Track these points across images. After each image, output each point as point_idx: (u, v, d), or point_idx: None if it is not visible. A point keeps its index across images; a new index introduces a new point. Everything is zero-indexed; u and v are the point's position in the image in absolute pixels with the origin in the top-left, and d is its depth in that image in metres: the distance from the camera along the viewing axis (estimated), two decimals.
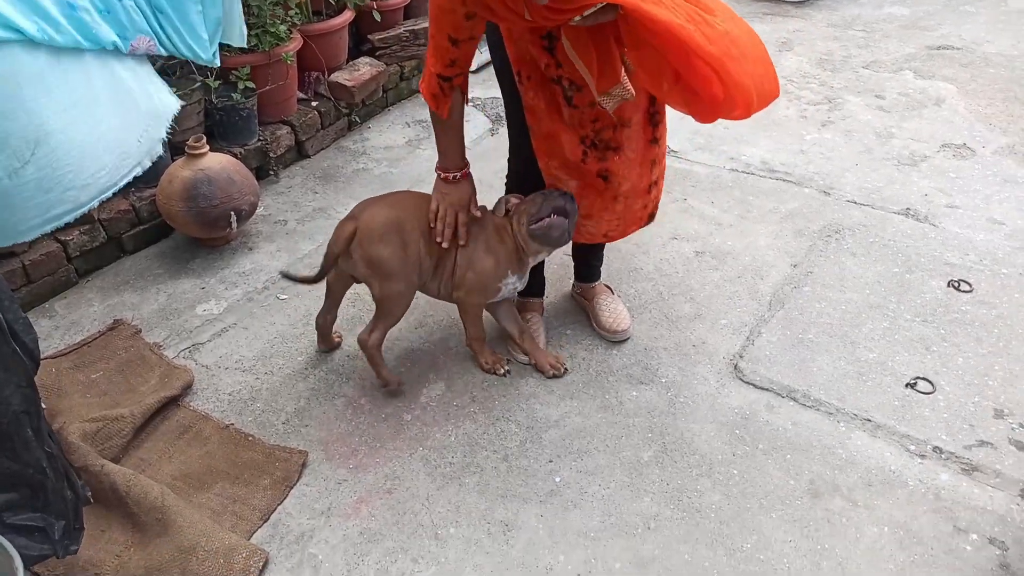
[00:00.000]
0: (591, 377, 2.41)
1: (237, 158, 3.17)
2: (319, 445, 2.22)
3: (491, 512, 2.02)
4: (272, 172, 3.38)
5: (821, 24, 4.87)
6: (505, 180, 2.45)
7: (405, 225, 2.16)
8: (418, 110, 4.04)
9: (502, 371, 2.40)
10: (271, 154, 3.34)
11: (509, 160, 2.40)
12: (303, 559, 1.92)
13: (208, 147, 2.86)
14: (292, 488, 2.09)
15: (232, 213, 2.85)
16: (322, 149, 3.65)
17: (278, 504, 2.05)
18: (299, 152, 3.55)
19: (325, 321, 2.46)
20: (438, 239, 2.18)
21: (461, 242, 2.20)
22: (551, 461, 2.15)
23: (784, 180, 3.35)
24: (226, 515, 2.01)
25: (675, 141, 3.65)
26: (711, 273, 2.82)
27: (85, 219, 2.79)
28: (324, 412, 2.32)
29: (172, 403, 2.33)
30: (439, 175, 2.18)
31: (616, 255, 2.88)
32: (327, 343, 2.51)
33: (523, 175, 2.32)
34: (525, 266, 2.30)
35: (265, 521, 2.01)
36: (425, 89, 2.05)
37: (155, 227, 3.01)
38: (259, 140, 3.32)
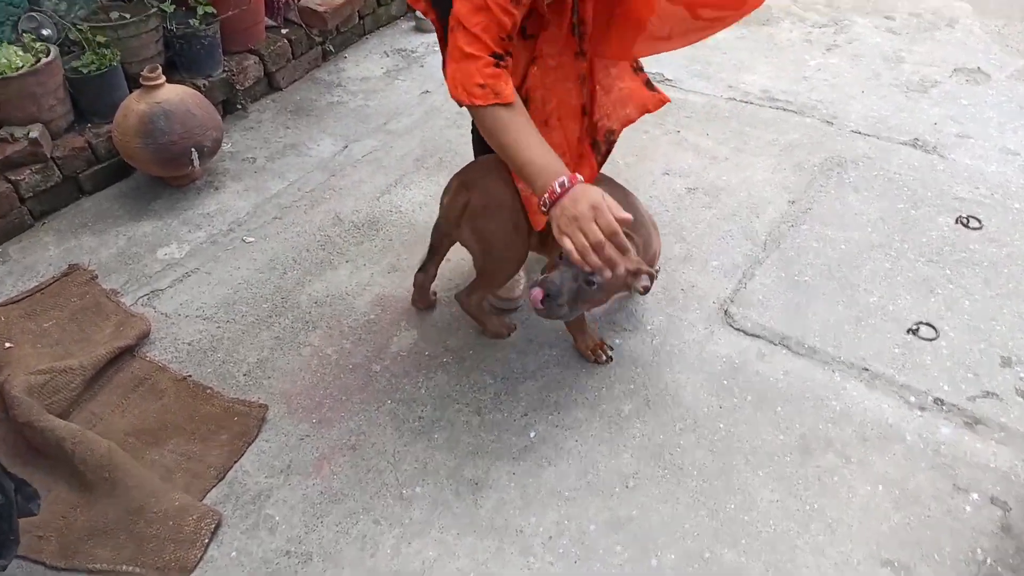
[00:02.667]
0: None
1: (200, 91, 2.97)
2: (281, 398, 2.09)
3: (460, 470, 1.90)
4: (240, 106, 3.18)
5: None
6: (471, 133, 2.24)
7: (517, 201, 1.93)
8: (398, 38, 3.80)
9: (604, 358, 2.14)
10: (238, 86, 3.13)
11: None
12: (259, 520, 1.82)
13: (164, 78, 2.66)
14: (251, 444, 1.97)
15: (193, 150, 2.67)
16: (294, 81, 3.43)
17: (235, 461, 1.94)
18: (269, 84, 3.34)
19: (426, 277, 2.26)
20: (607, 273, 1.57)
21: (633, 254, 1.70)
22: (526, 415, 2.03)
23: (785, 109, 3.14)
24: (180, 473, 1.90)
25: (670, 69, 3.42)
26: (703, 211, 2.65)
27: (37, 157, 2.61)
28: (288, 363, 2.19)
29: (128, 353, 2.20)
30: (547, 199, 1.55)
31: None
32: (424, 301, 2.32)
33: None
34: None
35: (221, 479, 1.90)
36: (464, 88, 1.56)
37: (115, 166, 2.84)
38: (224, 71, 3.11)
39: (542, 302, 1.70)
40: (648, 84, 2.00)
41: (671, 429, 1.97)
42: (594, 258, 1.50)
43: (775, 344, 2.18)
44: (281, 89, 3.37)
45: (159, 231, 2.67)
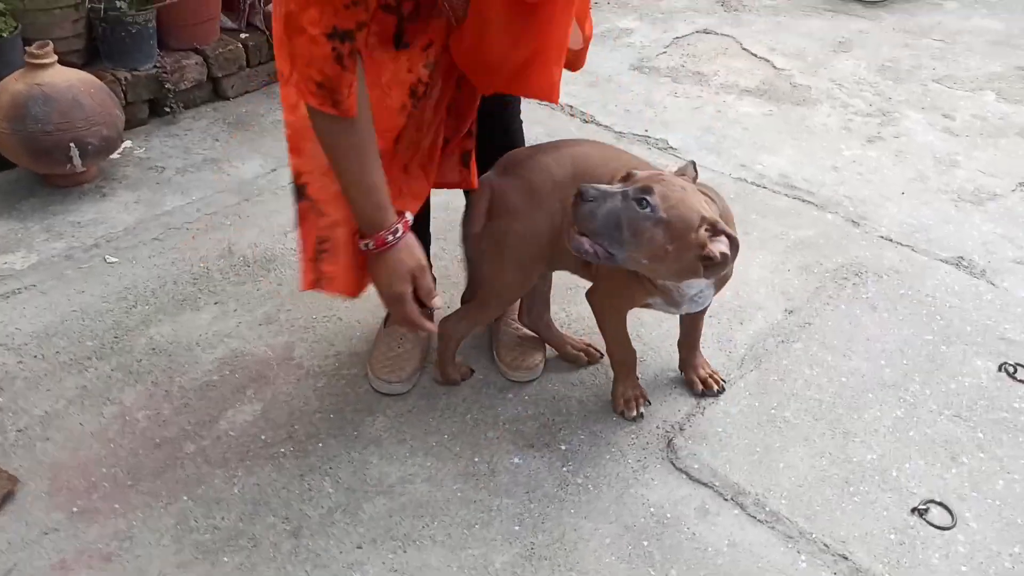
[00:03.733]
0: (465, 427, 1.72)
1: (119, 84, 2.56)
2: (48, 470, 1.57)
3: None
4: (168, 109, 2.75)
5: (890, 28, 4.05)
6: None
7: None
8: None
9: (633, 413, 1.73)
10: (169, 86, 2.71)
11: None
12: None
13: (55, 58, 2.24)
14: None
15: (72, 145, 2.23)
16: (246, 92, 3.00)
17: None
18: (215, 91, 2.92)
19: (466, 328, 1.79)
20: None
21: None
22: (360, 547, 1.46)
23: (803, 200, 2.59)
24: None
25: (678, 138, 2.92)
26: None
27: None
28: (81, 423, 1.67)
29: None
30: (369, 245, 1.36)
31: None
32: (453, 373, 1.82)
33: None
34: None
35: None
36: (302, 82, 1.23)
37: None
38: (156, 67, 2.69)
39: (578, 203, 1.37)
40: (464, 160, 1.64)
41: None
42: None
43: (725, 499, 1.59)
44: (228, 99, 2.94)
45: (12, 234, 2.21)
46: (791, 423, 1.76)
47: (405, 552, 1.46)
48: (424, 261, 1.40)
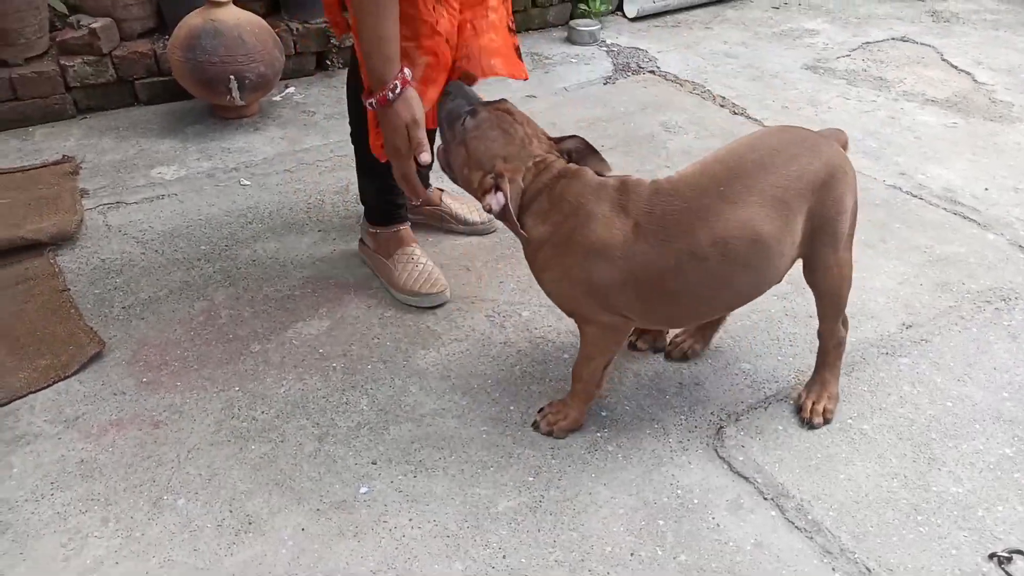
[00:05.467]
0: (511, 376, 1.69)
1: (291, 34, 2.79)
2: (134, 344, 1.74)
3: (243, 500, 1.41)
4: (329, 62, 2.95)
5: None
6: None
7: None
8: (542, 43, 3.41)
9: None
10: (334, 42, 2.91)
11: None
12: None
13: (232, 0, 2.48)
14: (61, 380, 1.63)
15: (232, 77, 2.45)
16: None
17: (31, 392, 1.60)
18: None
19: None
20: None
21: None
22: (375, 463, 1.49)
23: (964, 216, 2.29)
24: None
25: None
26: (772, 301, 1.93)
27: (92, 49, 2.54)
28: (173, 310, 1.84)
29: (39, 248, 1.98)
30: (372, 103, 1.43)
31: None
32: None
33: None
34: None
35: (3, 404, 1.57)
36: None
37: (177, 83, 2.70)
38: (324, 22, 2.90)
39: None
40: (517, 51, 1.71)
41: (543, 557, 1.33)
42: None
43: (764, 497, 1.44)
44: None
45: (172, 151, 2.47)
46: (867, 436, 1.56)
47: (415, 477, 1.46)
48: (420, 116, 1.44)
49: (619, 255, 1.35)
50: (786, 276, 1.50)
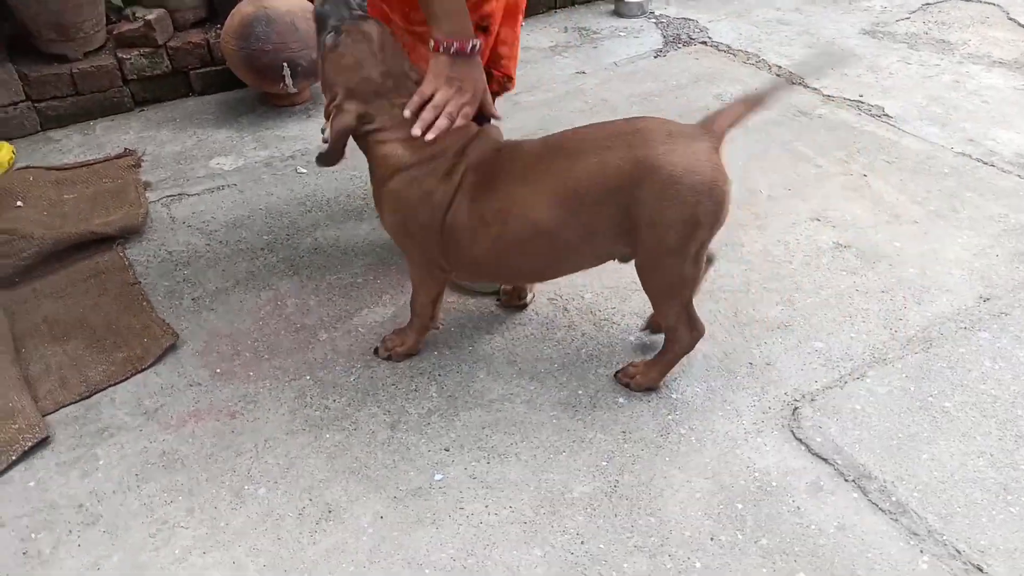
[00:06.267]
0: (577, 359, 1.68)
1: None
2: (206, 335, 1.76)
3: (322, 489, 1.43)
4: None
5: None
6: None
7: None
8: (588, 17, 3.35)
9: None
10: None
11: None
12: (82, 457, 1.49)
13: None
14: (138, 373, 1.66)
15: (285, 64, 2.46)
16: None
17: (111, 384, 1.63)
18: None
19: None
20: (426, 134, 1.41)
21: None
22: (448, 450, 1.49)
23: None
24: (53, 376, 1.64)
25: (897, 106, 2.60)
26: (841, 276, 1.88)
27: (148, 41, 2.57)
28: (241, 301, 1.86)
29: (108, 242, 2.02)
30: (446, 52, 1.38)
31: None
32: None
33: None
34: None
35: (84, 398, 1.61)
36: None
37: (229, 72, 2.72)
38: None
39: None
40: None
41: (621, 542, 1.32)
42: (430, 115, 1.40)
43: (846, 479, 1.41)
44: None
45: (228, 141, 2.49)
46: (950, 414, 1.52)
47: (488, 463, 1.47)
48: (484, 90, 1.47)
49: (438, 207, 1.42)
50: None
